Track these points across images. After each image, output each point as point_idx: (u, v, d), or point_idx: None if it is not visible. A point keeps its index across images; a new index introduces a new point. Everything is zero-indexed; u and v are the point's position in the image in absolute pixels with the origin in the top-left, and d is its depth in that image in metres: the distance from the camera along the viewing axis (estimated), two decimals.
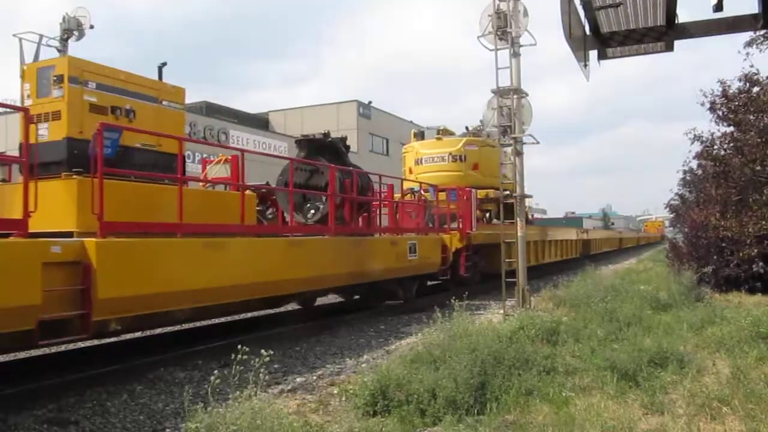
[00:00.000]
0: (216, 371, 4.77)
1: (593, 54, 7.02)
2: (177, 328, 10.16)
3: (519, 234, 11.94)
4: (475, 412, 5.11)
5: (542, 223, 42.68)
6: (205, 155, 31.05)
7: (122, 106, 7.98)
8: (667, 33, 6.41)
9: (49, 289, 5.56)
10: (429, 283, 15.07)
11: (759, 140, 13.43)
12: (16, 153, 7.97)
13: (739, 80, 14.39)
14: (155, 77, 8.85)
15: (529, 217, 20.80)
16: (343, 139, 12.02)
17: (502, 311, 11.20)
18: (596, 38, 6.62)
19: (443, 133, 18.82)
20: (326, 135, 11.54)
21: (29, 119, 6.43)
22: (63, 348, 8.13)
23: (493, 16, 11.55)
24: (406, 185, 16.27)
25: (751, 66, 14.22)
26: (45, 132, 7.46)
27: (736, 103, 14.17)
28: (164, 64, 9.05)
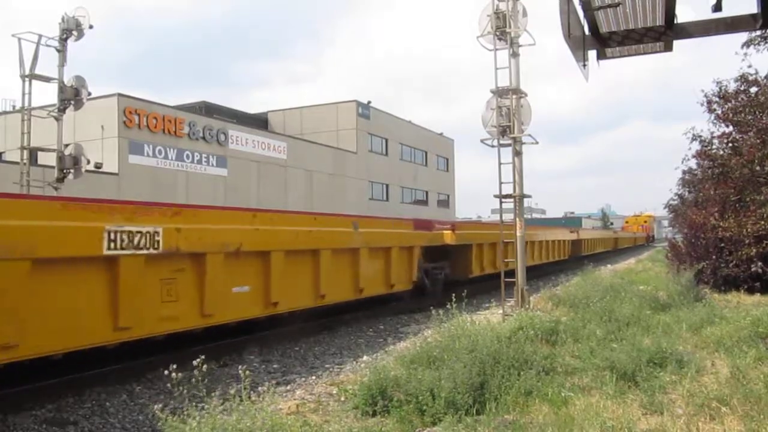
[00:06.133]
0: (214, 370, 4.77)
1: (592, 54, 7.02)
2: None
3: (518, 234, 11.94)
4: (475, 412, 5.10)
5: (541, 223, 47.03)
6: (204, 155, 31.44)
7: None
8: (666, 33, 6.41)
9: None
10: None
11: (757, 140, 13.45)
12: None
13: (735, 81, 14.44)
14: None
15: None
16: None
17: (501, 311, 11.20)
18: (595, 38, 6.61)
19: None
20: None
21: None
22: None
23: (492, 16, 11.53)
24: None
25: (749, 66, 14.26)
26: None
27: (736, 103, 14.20)
28: None
